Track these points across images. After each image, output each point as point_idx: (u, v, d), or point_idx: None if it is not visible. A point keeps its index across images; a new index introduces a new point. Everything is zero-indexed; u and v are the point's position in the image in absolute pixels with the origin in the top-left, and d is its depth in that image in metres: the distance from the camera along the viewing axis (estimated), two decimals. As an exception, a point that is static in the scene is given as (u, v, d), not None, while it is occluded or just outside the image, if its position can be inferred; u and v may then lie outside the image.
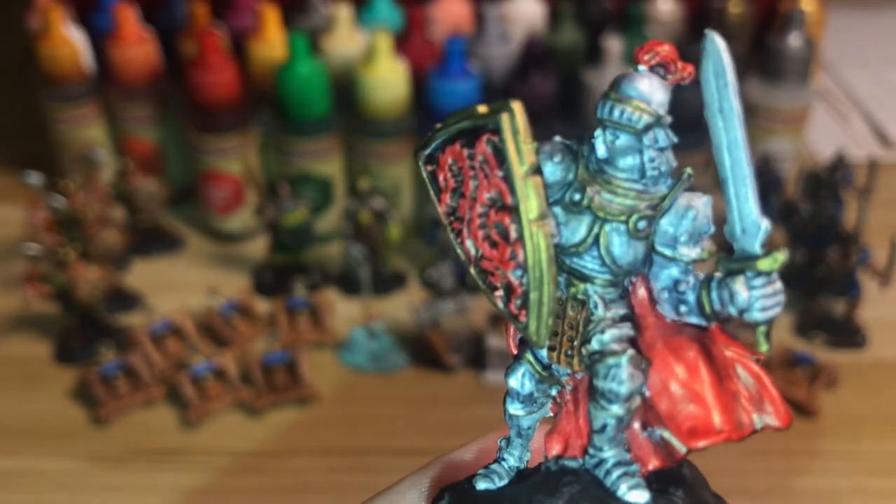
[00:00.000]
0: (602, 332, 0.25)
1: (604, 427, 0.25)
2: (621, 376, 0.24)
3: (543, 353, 0.27)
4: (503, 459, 0.29)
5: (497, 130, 0.24)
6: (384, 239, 0.87)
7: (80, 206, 0.83)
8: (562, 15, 0.98)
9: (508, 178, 0.24)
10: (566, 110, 0.93)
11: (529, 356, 0.27)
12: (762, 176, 0.94)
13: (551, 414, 0.28)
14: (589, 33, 0.98)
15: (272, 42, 0.93)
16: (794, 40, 0.94)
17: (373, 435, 0.76)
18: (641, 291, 0.26)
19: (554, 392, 0.28)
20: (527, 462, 0.29)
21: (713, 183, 0.26)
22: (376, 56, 0.88)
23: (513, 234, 0.25)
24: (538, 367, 0.27)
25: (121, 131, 0.98)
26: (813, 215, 0.86)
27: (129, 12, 0.93)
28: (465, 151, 0.25)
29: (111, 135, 1.00)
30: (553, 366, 0.27)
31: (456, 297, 0.81)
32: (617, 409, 0.24)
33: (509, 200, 0.24)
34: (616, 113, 0.25)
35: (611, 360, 0.24)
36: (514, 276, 0.25)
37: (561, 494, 0.25)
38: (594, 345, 0.25)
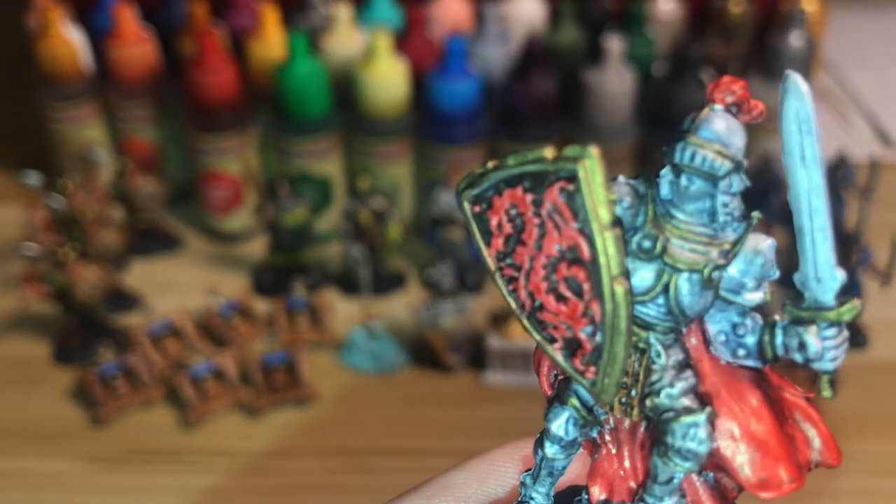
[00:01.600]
0: (671, 385, 0.24)
1: (670, 480, 0.24)
2: (701, 436, 0.24)
3: (586, 394, 0.26)
4: (531, 499, 0.28)
5: (573, 179, 0.22)
6: (384, 239, 0.87)
7: (78, 206, 0.83)
8: (562, 15, 0.98)
9: (587, 232, 0.23)
10: (566, 110, 0.93)
11: (575, 401, 0.26)
12: (763, 176, 0.94)
13: (583, 451, 0.27)
14: (589, 33, 0.98)
15: (271, 41, 0.93)
16: (794, 40, 0.94)
17: (372, 435, 0.75)
18: (695, 334, 0.25)
19: (594, 433, 0.27)
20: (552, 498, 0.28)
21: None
22: (376, 55, 0.88)
23: (588, 291, 0.23)
24: (583, 412, 0.26)
25: (120, 131, 0.98)
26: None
27: (128, 11, 0.93)
28: (529, 197, 0.23)
29: (110, 134, 0.99)
30: (594, 408, 0.26)
31: (456, 297, 0.81)
32: (691, 467, 0.24)
33: (586, 255, 0.23)
34: (698, 160, 0.23)
35: (688, 420, 0.24)
36: (584, 333, 0.24)
37: None
38: (664, 400, 0.24)
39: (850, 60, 1.34)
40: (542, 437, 0.27)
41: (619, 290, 0.23)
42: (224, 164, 0.93)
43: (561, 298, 0.24)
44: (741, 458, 0.24)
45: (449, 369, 0.80)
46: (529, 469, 0.28)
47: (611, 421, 0.26)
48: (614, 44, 0.90)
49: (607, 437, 0.27)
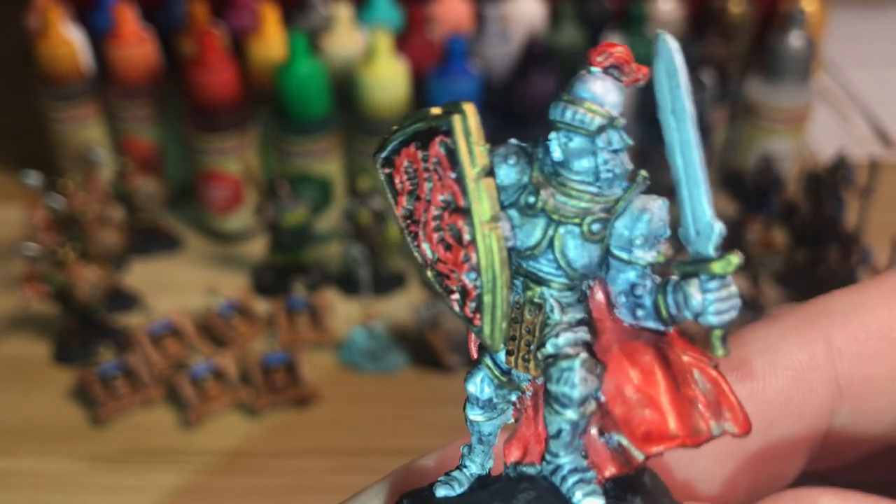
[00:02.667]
0: (556, 335, 0.25)
1: (559, 432, 0.25)
2: (573, 380, 0.24)
3: (502, 357, 0.26)
4: (465, 466, 0.28)
5: (449, 132, 0.24)
6: (384, 239, 0.87)
7: (79, 206, 0.83)
8: (562, 14, 0.98)
9: (461, 180, 0.24)
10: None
11: (488, 361, 0.27)
12: (763, 176, 0.94)
13: (513, 420, 0.28)
14: (589, 33, 0.98)
15: (272, 41, 0.93)
16: (794, 40, 0.94)
17: (372, 435, 0.75)
18: (599, 296, 0.25)
19: (514, 398, 0.27)
20: (489, 469, 0.28)
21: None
22: (376, 55, 0.88)
23: (466, 237, 0.24)
24: (497, 373, 0.27)
25: (120, 131, 0.98)
26: (814, 215, 0.86)
27: (129, 11, 0.93)
28: (420, 153, 0.25)
29: (110, 134, 0.99)
30: (513, 371, 0.27)
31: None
32: (571, 414, 0.24)
33: (462, 202, 0.24)
34: (568, 115, 0.24)
35: (564, 364, 0.24)
36: (468, 279, 0.25)
37: (517, 500, 0.25)
38: (548, 348, 0.25)
39: (850, 60, 1.34)
40: (465, 401, 0.28)
41: (491, 234, 0.24)
42: (224, 164, 0.93)
43: (448, 247, 0.25)
44: (626, 412, 0.24)
45: (449, 369, 0.80)
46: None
47: (532, 387, 0.27)
48: (614, 44, 0.90)
49: (528, 403, 0.27)
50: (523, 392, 0.27)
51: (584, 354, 0.24)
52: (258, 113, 0.94)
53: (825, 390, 0.28)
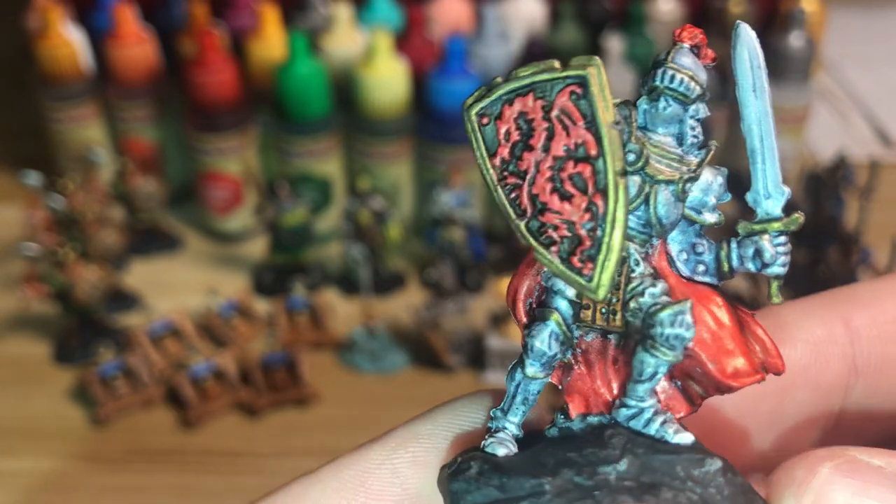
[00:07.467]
0: (652, 286, 0.26)
1: (654, 375, 0.26)
2: (688, 321, 0.25)
3: (569, 313, 0.28)
4: (504, 428, 0.29)
5: (583, 84, 0.25)
6: (384, 239, 0.87)
7: (78, 206, 0.83)
8: (562, 14, 0.98)
9: (595, 130, 0.25)
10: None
11: (557, 316, 0.28)
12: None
13: (553, 381, 0.29)
14: (589, 33, 0.98)
15: (271, 42, 0.93)
16: (795, 40, 0.94)
17: (372, 435, 0.75)
18: (660, 252, 0.27)
19: (568, 355, 0.28)
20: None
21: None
22: (376, 56, 0.88)
23: (592, 186, 0.25)
24: (564, 328, 0.28)
25: (120, 131, 0.98)
26: (814, 215, 0.86)
27: (129, 12, 0.93)
28: (540, 104, 0.26)
29: (110, 135, 0.99)
30: (573, 327, 0.28)
31: (456, 297, 0.81)
32: (677, 355, 0.26)
33: (594, 151, 0.25)
34: (676, 81, 0.26)
35: (677, 307, 0.26)
36: (584, 229, 0.26)
37: (612, 446, 0.26)
38: (647, 299, 0.26)
39: (850, 60, 1.34)
40: (520, 359, 0.28)
41: (622, 184, 0.25)
42: (224, 164, 0.93)
43: (565, 196, 0.26)
44: (710, 352, 0.26)
45: (449, 369, 0.80)
46: (499, 405, 0.30)
47: (582, 345, 0.28)
48: (614, 44, 0.90)
49: (580, 359, 0.29)
50: (574, 349, 0.28)
51: (692, 300, 0.26)
52: (258, 113, 0.94)
53: (841, 366, 0.30)
